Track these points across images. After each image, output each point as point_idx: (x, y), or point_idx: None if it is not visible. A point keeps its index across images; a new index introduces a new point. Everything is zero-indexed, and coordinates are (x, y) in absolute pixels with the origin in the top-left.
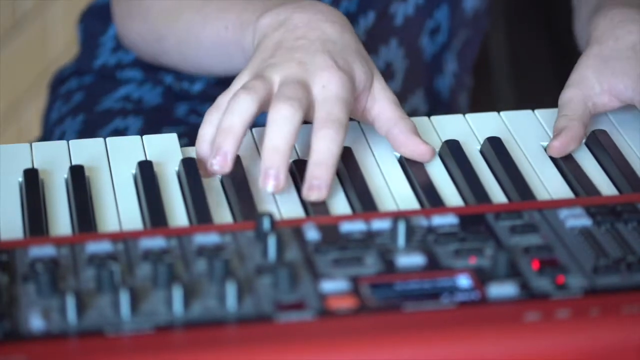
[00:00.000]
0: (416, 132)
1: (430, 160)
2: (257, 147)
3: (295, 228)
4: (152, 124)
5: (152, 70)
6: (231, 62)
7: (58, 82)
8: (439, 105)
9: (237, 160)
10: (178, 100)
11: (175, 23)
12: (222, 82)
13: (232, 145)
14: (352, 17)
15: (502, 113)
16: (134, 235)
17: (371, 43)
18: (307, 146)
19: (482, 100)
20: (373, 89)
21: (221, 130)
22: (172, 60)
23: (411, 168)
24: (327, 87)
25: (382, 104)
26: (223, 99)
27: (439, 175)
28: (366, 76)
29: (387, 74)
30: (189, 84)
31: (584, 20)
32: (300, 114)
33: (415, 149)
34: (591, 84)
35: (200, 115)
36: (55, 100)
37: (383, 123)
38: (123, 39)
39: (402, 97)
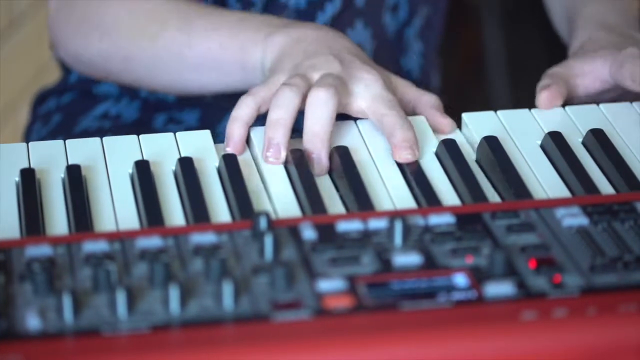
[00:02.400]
0: (438, 107)
1: (450, 132)
2: (254, 147)
3: (291, 227)
4: None
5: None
6: (225, 78)
7: (39, 101)
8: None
9: (235, 160)
10: (156, 111)
11: (151, 42)
12: None
13: (283, 137)
14: (319, 4)
15: (499, 112)
16: (131, 235)
17: (338, 28)
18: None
19: (478, 99)
20: (392, 84)
21: (271, 123)
22: (140, 80)
23: (408, 167)
24: (372, 87)
25: (403, 90)
26: (259, 89)
27: (436, 174)
28: (388, 78)
29: None
30: (164, 94)
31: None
32: (336, 100)
33: (436, 122)
34: (574, 67)
35: (179, 123)
36: (35, 121)
37: (406, 107)
38: (72, 58)
39: None
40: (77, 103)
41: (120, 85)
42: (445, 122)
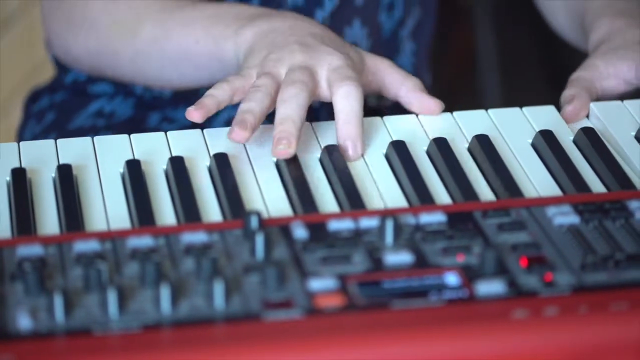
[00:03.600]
0: (422, 89)
1: (439, 113)
2: (245, 146)
3: (283, 226)
4: None
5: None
6: (203, 72)
7: (31, 100)
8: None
9: (226, 159)
10: (150, 109)
11: (134, 37)
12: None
13: (253, 120)
14: (318, 1)
15: (490, 111)
16: (122, 234)
17: (336, 25)
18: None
19: (470, 98)
20: (367, 64)
21: (242, 111)
22: (125, 74)
23: (399, 166)
24: (333, 64)
25: (382, 72)
26: (234, 78)
27: (427, 173)
28: (358, 56)
29: None
30: (160, 90)
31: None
32: (306, 93)
33: (422, 105)
34: (599, 69)
35: (173, 122)
36: (29, 119)
37: (389, 88)
38: (62, 55)
39: None
40: (70, 101)
41: (114, 83)
42: (432, 102)
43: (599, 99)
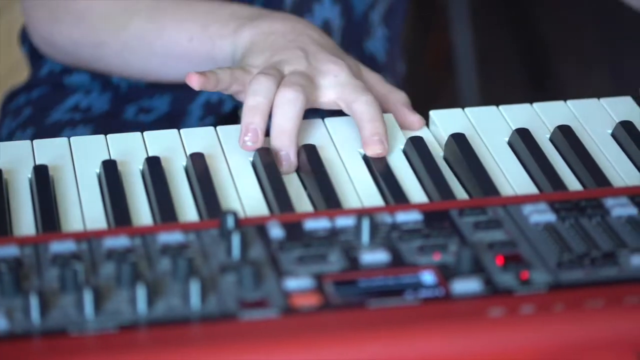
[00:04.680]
0: (406, 103)
1: (419, 129)
2: (222, 146)
3: (259, 226)
4: (102, 131)
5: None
6: (195, 69)
7: (8, 99)
8: (375, 69)
9: (202, 159)
10: (127, 102)
11: (122, 30)
12: None
13: (261, 121)
14: None
15: (466, 109)
16: (98, 235)
17: (306, 2)
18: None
19: (447, 96)
20: (365, 77)
21: (248, 109)
22: (110, 66)
23: (375, 165)
24: (339, 76)
25: (372, 85)
26: (235, 69)
27: (403, 171)
28: (355, 66)
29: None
30: (135, 81)
31: None
32: (304, 98)
33: (405, 120)
34: None
35: (149, 112)
36: (5, 117)
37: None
38: (45, 45)
39: None
40: (47, 96)
41: (91, 74)
42: (414, 118)
43: None
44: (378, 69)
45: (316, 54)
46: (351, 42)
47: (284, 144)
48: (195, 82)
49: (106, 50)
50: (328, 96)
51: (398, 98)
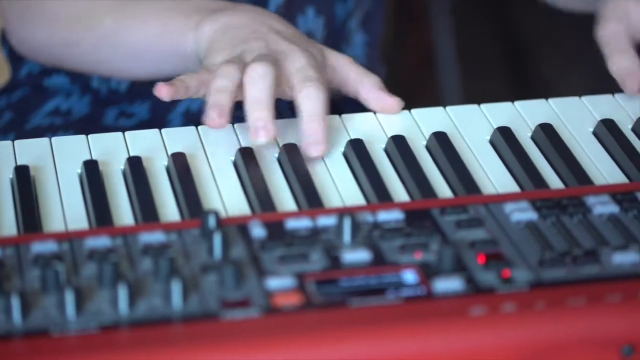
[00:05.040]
0: (381, 87)
1: (398, 111)
2: (203, 145)
3: (240, 225)
4: None
5: (77, 73)
6: (164, 65)
7: None
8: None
9: (184, 159)
10: (107, 106)
11: (92, 29)
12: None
13: (228, 100)
14: None
15: (447, 108)
16: (79, 235)
17: (290, 13)
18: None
19: (429, 95)
20: (328, 61)
21: (214, 90)
22: (83, 65)
23: (357, 163)
24: (297, 62)
25: (342, 69)
26: (200, 72)
27: (385, 170)
28: (319, 52)
29: None
30: (117, 83)
31: None
32: (273, 72)
33: (382, 103)
34: (634, 16)
35: (130, 117)
36: None
37: (349, 86)
38: (19, 45)
39: None
40: (27, 100)
41: (71, 76)
42: (392, 101)
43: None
44: None
45: (276, 42)
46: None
47: (261, 114)
48: (164, 93)
49: (78, 49)
50: (286, 83)
51: (372, 82)
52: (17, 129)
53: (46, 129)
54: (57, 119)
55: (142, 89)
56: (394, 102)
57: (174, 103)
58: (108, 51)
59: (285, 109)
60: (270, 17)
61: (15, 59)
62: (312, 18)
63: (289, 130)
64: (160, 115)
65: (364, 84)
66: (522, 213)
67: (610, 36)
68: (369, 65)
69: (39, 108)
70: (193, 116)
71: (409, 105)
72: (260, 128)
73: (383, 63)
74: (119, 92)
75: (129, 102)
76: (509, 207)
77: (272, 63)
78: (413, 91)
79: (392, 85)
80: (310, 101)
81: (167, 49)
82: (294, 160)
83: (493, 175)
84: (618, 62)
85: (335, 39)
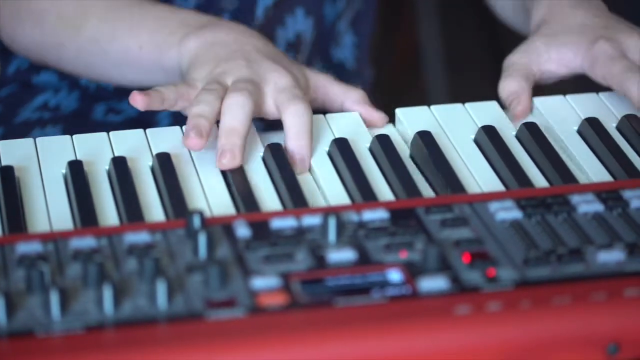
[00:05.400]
0: (366, 101)
1: (383, 126)
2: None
3: (225, 225)
4: (71, 131)
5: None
6: (146, 76)
7: None
8: (343, 77)
9: (168, 159)
10: (95, 101)
11: (78, 32)
12: None
13: (207, 124)
14: None
15: (432, 107)
16: (64, 236)
17: (278, 13)
18: None
19: (415, 94)
20: (309, 81)
21: (192, 115)
22: (72, 68)
23: (341, 163)
24: (280, 83)
25: (325, 87)
26: (180, 85)
27: (370, 170)
28: (300, 72)
29: (297, 45)
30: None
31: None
32: (252, 102)
33: (367, 117)
34: (539, 51)
35: (119, 113)
36: None
37: (334, 102)
38: (11, 43)
39: None
40: (16, 95)
41: (59, 73)
42: (377, 115)
43: (536, 83)
44: (346, 76)
45: (259, 62)
46: (319, 50)
47: (233, 140)
48: (139, 103)
49: (65, 52)
50: (269, 104)
51: (356, 97)
52: (6, 123)
53: (35, 122)
54: (45, 113)
55: (130, 87)
56: (379, 116)
57: None
58: (92, 57)
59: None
60: (254, 36)
61: (4, 55)
62: (302, 19)
63: (272, 131)
64: (148, 113)
65: (349, 98)
66: (506, 212)
67: (509, 64)
68: (358, 67)
69: (27, 103)
70: (180, 117)
71: (395, 103)
72: (227, 151)
73: (372, 65)
74: (108, 89)
75: (118, 99)
76: (493, 206)
77: (252, 88)
78: (399, 91)
79: (378, 85)
80: (297, 118)
81: (150, 61)
82: (278, 159)
83: (478, 174)
84: (506, 85)
85: (325, 40)
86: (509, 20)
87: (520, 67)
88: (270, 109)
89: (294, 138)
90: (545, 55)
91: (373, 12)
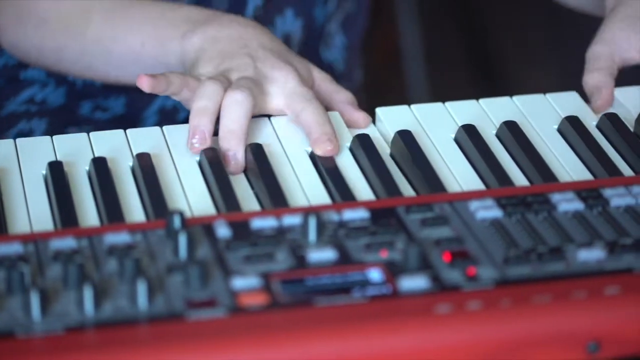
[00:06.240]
0: (352, 102)
1: (365, 127)
2: (168, 146)
3: (206, 225)
4: (57, 125)
5: None
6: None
7: None
8: (333, 78)
9: (149, 159)
10: (82, 98)
11: (81, 34)
12: None
13: (209, 124)
14: None
15: (412, 106)
16: (44, 236)
17: (268, 14)
18: None
19: (395, 94)
20: (313, 77)
21: (196, 112)
22: (72, 69)
23: (322, 163)
24: (288, 83)
25: (318, 83)
26: (185, 75)
27: (350, 169)
28: (304, 67)
29: None
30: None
31: None
32: (251, 100)
33: (351, 118)
34: (619, 41)
35: (105, 111)
36: None
37: (323, 99)
38: (11, 48)
39: None
40: (2, 89)
41: (48, 72)
42: (360, 116)
43: (622, 69)
44: (335, 78)
45: (265, 61)
46: (309, 51)
47: (231, 144)
48: (145, 84)
49: (67, 54)
50: (276, 103)
51: (344, 98)
52: None
53: (21, 115)
54: (32, 106)
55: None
56: (362, 116)
57: (149, 100)
58: (95, 58)
59: None
60: (259, 32)
61: None
62: (291, 20)
63: (253, 129)
64: (135, 111)
65: (336, 97)
66: (487, 211)
67: (593, 56)
68: (347, 69)
69: (14, 96)
70: (167, 113)
71: (376, 104)
72: (231, 158)
73: (361, 68)
74: (95, 86)
75: (104, 96)
76: (474, 204)
77: (253, 86)
78: (380, 90)
79: (360, 84)
80: (311, 116)
81: (152, 58)
82: (259, 160)
83: (458, 173)
84: (590, 78)
85: (314, 41)
86: (581, 5)
87: (603, 59)
88: (276, 108)
89: (318, 125)
90: (626, 43)
91: (364, 13)
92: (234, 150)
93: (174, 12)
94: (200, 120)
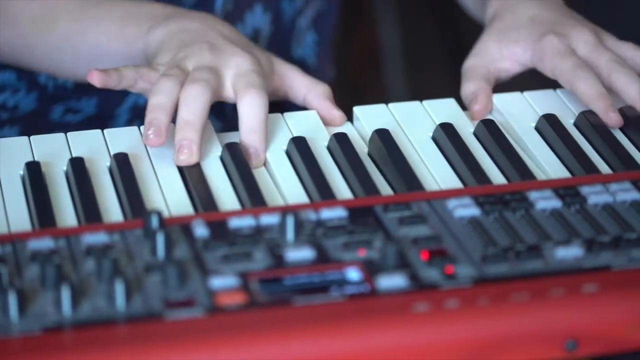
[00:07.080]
0: (329, 97)
1: (341, 125)
2: (146, 146)
3: (183, 225)
4: (29, 132)
5: (24, 70)
6: None
7: None
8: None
9: (126, 159)
10: (53, 102)
11: (50, 32)
12: None
13: (165, 118)
14: None
15: (390, 105)
16: (22, 237)
17: (237, 10)
18: None
19: (374, 94)
20: (275, 68)
21: (152, 107)
22: (43, 67)
23: (299, 161)
24: (241, 67)
25: (291, 77)
26: (142, 67)
27: (328, 168)
28: (267, 59)
29: (255, 41)
30: (64, 79)
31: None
32: (209, 93)
33: (327, 114)
34: (492, 52)
35: (77, 113)
36: None
37: (298, 92)
38: None
39: None
40: None
41: (17, 73)
42: (337, 114)
43: (496, 81)
44: (308, 74)
45: (222, 47)
46: (279, 48)
47: (187, 135)
48: (96, 79)
49: (36, 52)
50: (227, 88)
51: (321, 91)
52: None
53: None
54: (3, 114)
55: (89, 85)
56: (339, 115)
57: (121, 98)
58: (64, 54)
59: (229, 110)
60: (219, 24)
61: None
62: (260, 15)
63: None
64: (107, 110)
65: (312, 92)
66: (464, 209)
67: (468, 68)
68: (319, 65)
69: None
70: (140, 111)
71: (354, 103)
72: (185, 147)
73: (333, 63)
74: (66, 88)
75: (76, 98)
76: (451, 203)
77: (210, 76)
78: (359, 89)
79: (338, 84)
80: (251, 109)
81: (118, 54)
82: (236, 159)
83: (435, 172)
84: (466, 88)
85: (284, 37)
86: (471, 13)
87: (477, 69)
88: (228, 93)
89: (247, 132)
90: (498, 54)
91: (335, 11)
92: (189, 140)
93: (139, 9)
94: (156, 115)
